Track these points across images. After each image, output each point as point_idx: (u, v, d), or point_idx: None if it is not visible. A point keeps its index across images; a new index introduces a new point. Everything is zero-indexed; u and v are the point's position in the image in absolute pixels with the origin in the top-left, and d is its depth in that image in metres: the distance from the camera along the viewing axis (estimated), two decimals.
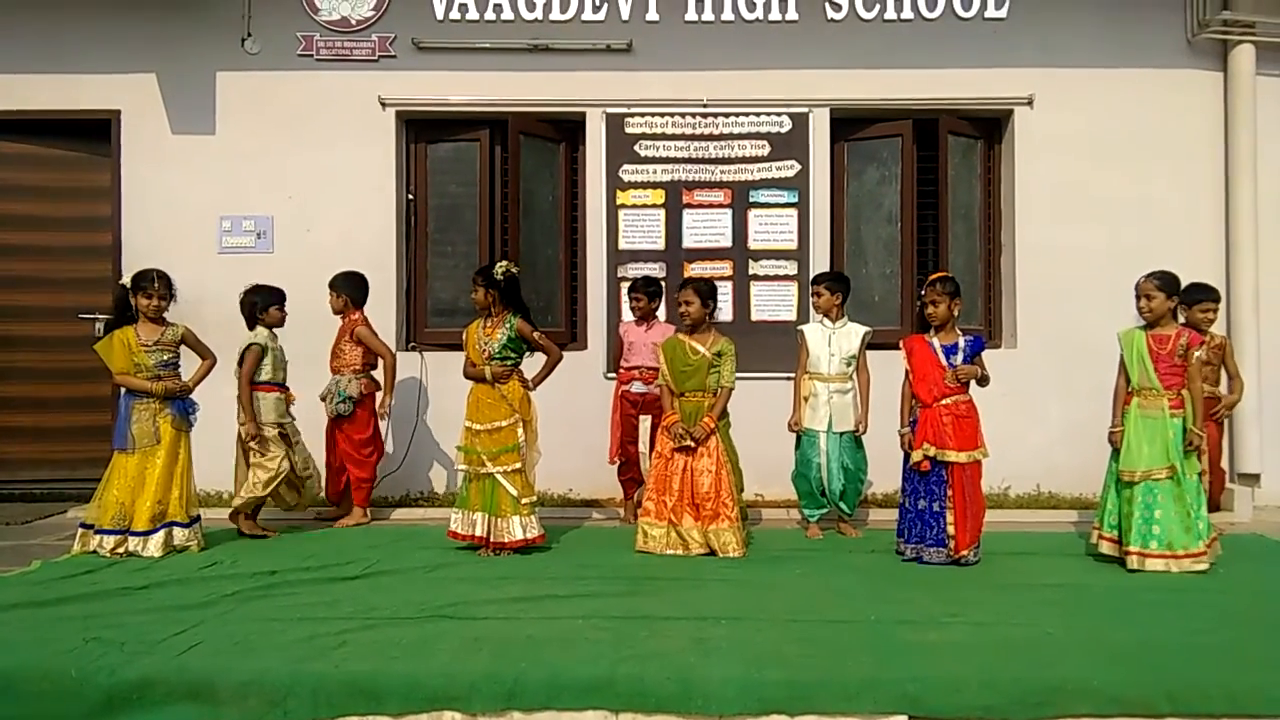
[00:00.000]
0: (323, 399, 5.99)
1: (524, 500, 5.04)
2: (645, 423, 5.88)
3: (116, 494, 5.00)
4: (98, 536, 4.98)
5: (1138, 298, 4.86)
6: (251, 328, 5.65)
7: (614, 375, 6.28)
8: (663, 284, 6.30)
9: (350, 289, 6.08)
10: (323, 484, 6.06)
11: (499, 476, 5.01)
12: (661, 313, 6.21)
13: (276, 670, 3.20)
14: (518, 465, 5.04)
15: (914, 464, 4.92)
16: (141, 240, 6.69)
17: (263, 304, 5.66)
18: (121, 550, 4.94)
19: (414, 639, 3.52)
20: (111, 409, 5.68)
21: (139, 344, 5.06)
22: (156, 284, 5.10)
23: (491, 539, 5.00)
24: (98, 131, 6.85)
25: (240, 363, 5.53)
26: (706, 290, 5.25)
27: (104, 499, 5.03)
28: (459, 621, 3.76)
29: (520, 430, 5.07)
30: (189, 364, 5.32)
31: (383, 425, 6.19)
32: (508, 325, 5.11)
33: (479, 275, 5.18)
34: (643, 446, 5.87)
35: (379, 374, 6.07)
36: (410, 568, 4.73)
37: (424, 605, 3.96)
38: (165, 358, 5.15)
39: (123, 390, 5.13)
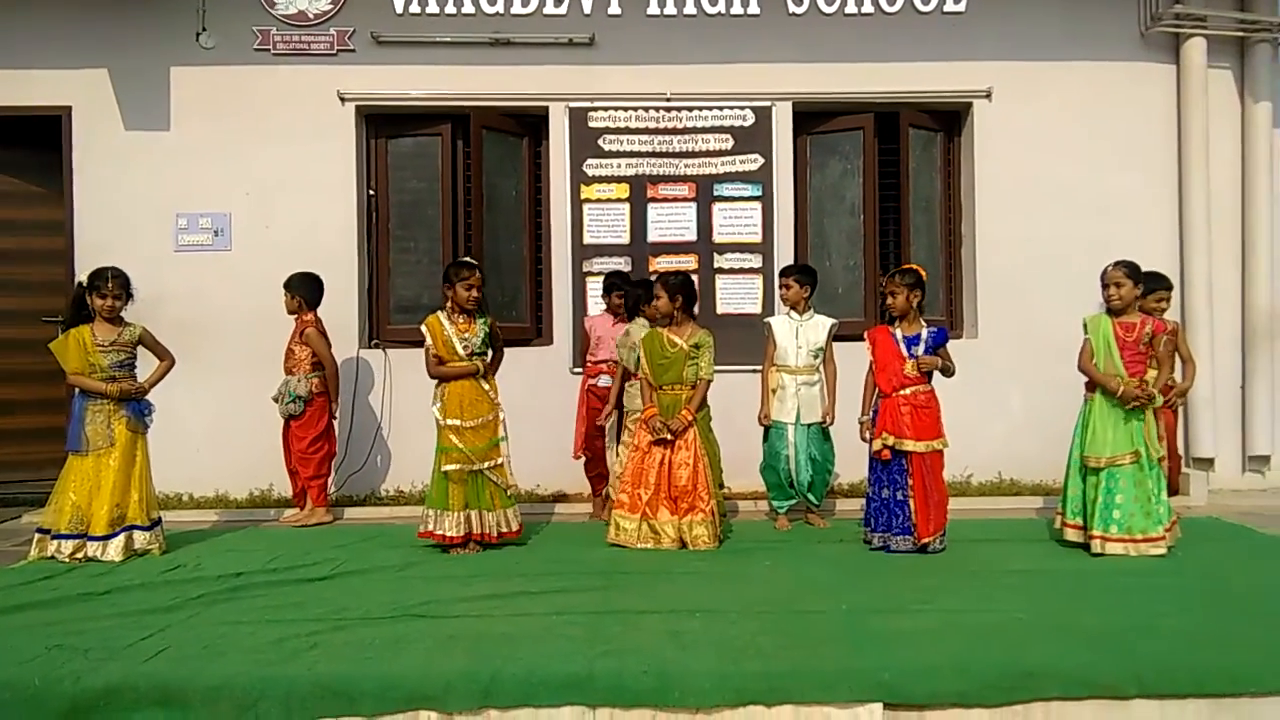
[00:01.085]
0: (275, 400, 5.93)
1: (509, 492, 5.08)
2: (612, 418, 5.87)
3: (73, 497, 4.88)
4: (55, 541, 4.85)
5: (1105, 286, 4.91)
6: (632, 319, 5.69)
7: (580, 370, 6.26)
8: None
9: (304, 290, 6.02)
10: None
11: (487, 472, 5.00)
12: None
13: (247, 674, 3.14)
14: (502, 459, 5.06)
15: (874, 453, 4.98)
16: (96, 239, 6.53)
17: (646, 296, 5.64)
18: (80, 555, 4.83)
19: (387, 639, 3.48)
20: (68, 410, 5.55)
21: (95, 344, 4.94)
22: (111, 284, 4.97)
23: (487, 534, 4.99)
24: (51, 133, 6.68)
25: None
26: (675, 284, 5.21)
27: (59, 503, 4.90)
28: (432, 620, 3.72)
29: (503, 420, 5.09)
30: (146, 365, 5.22)
31: (336, 424, 6.15)
32: (484, 321, 5.10)
33: (477, 271, 5.07)
34: (609, 440, 5.86)
35: None
36: (379, 567, 4.68)
37: (395, 605, 3.92)
38: (121, 358, 5.03)
39: (76, 391, 5.01)
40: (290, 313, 6.02)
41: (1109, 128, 6.92)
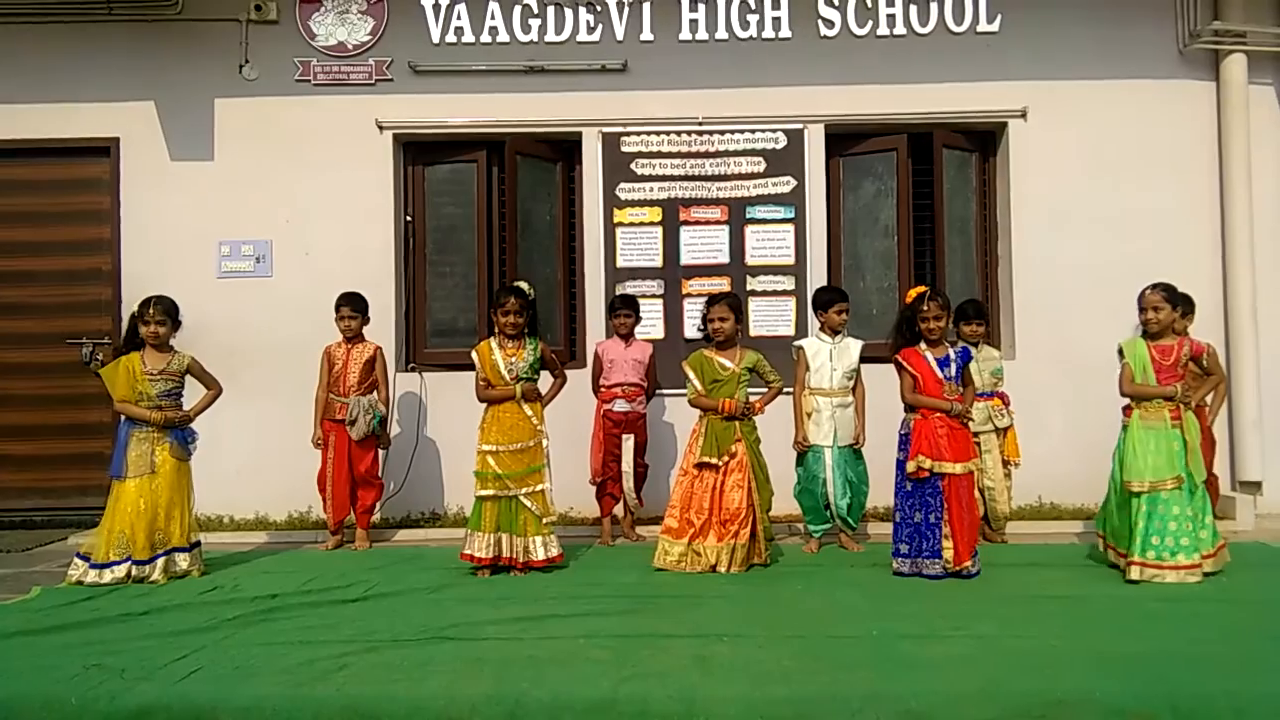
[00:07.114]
0: (350, 423, 5.89)
1: (546, 520, 5.07)
2: (628, 442, 5.91)
3: (118, 527, 4.96)
4: (94, 570, 4.92)
5: (1143, 309, 4.85)
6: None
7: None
8: (639, 300, 6.39)
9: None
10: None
11: (523, 498, 5.02)
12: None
13: (277, 695, 3.18)
14: (543, 485, 5.07)
15: (910, 474, 4.91)
16: (141, 266, 6.71)
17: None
18: (123, 577, 4.92)
19: (415, 661, 3.50)
20: (111, 435, 5.64)
21: (143, 372, 5.06)
22: (152, 310, 5.09)
23: (521, 559, 5.01)
24: (95, 155, 6.87)
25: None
26: (738, 306, 5.38)
27: (104, 532, 4.99)
28: (460, 643, 3.74)
29: (545, 447, 5.11)
30: (194, 394, 5.33)
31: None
32: (533, 346, 5.16)
33: (516, 296, 5.12)
34: (625, 466, 5.89)
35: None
36: (411, 589, 4.72)
37: (425, 627, 3.95)
38: (169, 387, 5.14)
39: (122, 417, 5.12)
40: (355, 334, 6.04)
41: (1147, 146, 6.82)
